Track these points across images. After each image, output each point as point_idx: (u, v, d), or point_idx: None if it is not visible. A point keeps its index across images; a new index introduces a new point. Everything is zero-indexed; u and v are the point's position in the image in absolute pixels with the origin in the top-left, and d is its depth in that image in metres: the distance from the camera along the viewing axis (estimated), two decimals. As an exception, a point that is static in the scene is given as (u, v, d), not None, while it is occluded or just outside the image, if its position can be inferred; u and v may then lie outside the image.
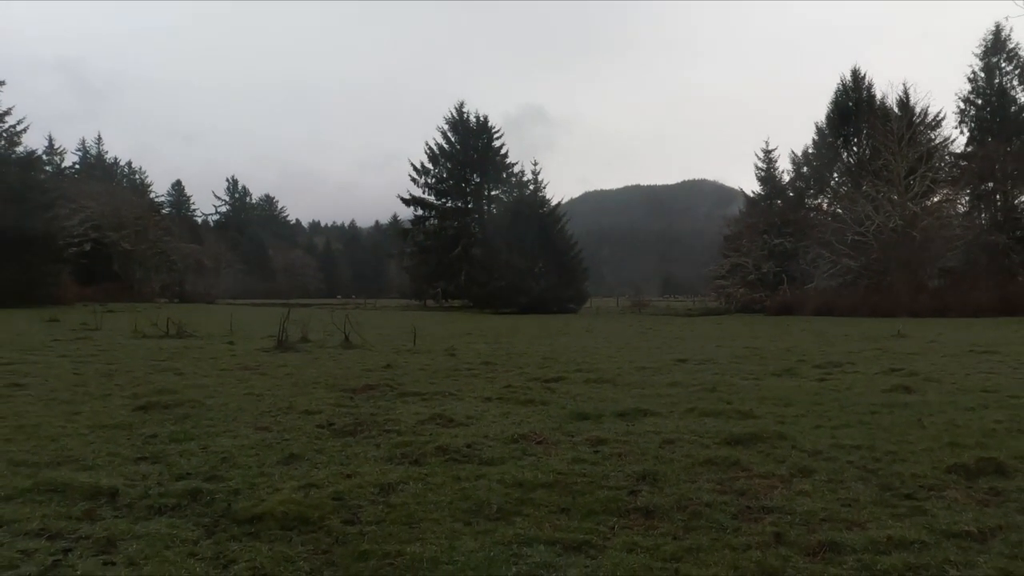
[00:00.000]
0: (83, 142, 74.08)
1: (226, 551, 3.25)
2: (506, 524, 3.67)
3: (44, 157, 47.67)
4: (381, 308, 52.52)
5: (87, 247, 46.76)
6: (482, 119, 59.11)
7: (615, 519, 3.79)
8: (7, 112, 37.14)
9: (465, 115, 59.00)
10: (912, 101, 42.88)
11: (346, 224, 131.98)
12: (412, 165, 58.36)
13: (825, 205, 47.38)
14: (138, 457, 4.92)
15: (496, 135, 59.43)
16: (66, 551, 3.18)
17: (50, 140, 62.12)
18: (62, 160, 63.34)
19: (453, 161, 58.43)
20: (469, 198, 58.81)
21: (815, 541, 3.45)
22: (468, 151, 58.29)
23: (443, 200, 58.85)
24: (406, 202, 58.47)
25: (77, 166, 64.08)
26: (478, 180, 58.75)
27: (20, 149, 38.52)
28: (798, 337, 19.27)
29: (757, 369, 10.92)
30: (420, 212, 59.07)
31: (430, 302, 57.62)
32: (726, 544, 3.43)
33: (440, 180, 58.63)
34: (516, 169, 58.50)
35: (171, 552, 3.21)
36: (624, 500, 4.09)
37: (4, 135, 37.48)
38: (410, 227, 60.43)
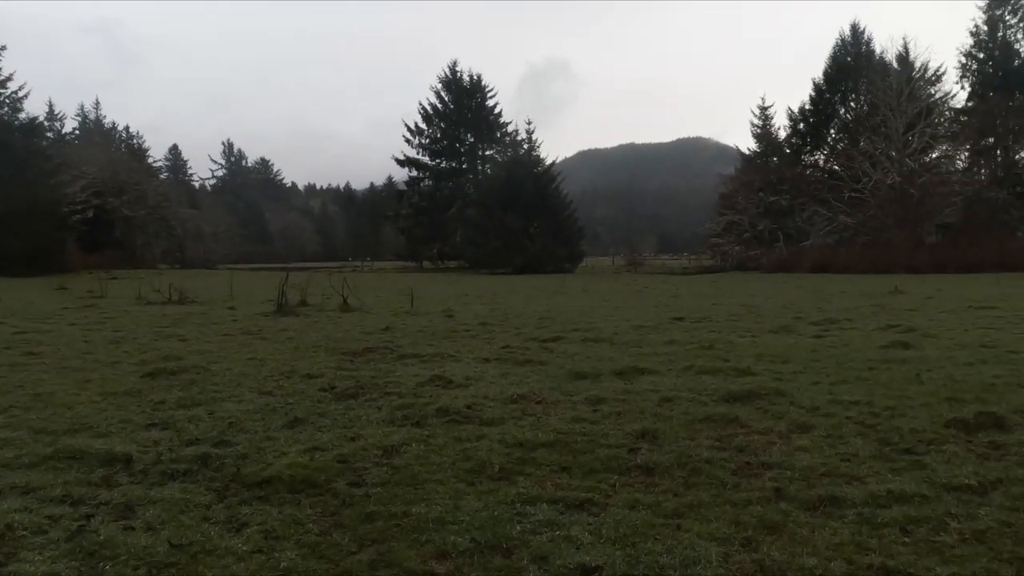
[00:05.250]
0: (82, 107, 73.43)
1: (238, 514, 3.33)
2: (508, 484, 3.71)
3: (45, 123, 46.97)
4: (378, 270, 52.46)
5: (90, 214, 46.52)
6: (475, 78, 58.27)
7: (616, 477, 3.83)
8: (8, 78, 36.61)
9: (458, 74, 58.13)
10: (912, 56, 42.36)
11: (341, 187, 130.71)
12: (406, 126, 57.73)
13: (822, 162, 47.14)
14: (148, 423, 4.99)
15: (490, 94, 58.66)
16: (88, 516, 3.27)
17: (50, 105, 61.47)
18: (62, 126, 62.91)
19: (447, 121, 57.71)
20: (463, 158, 58.28)
21: (815, 496, 3.48)
22: (462, 111, 57.54)
23: (437, 161, 58.32)
24: (400, 163, 57.98)
25: (77, 132, 63.42)
26: (472, 140, 58.15)
27: (22, 116, 38.14)
28: (795, 294, 19.30)
29: (754, 327, 10.93)
30: (415, 173, 58.65)
31: (426, 263, 57.58)
32: (727, 500, 3.47)
33: (434, 140, 58.00)
34: (510, 128, 57.97)
35: (186, 516, 3.29)
36: (624, 458, 4.13)
37: (7, 102, 37.02)
38: (405, 188, 60.06)
